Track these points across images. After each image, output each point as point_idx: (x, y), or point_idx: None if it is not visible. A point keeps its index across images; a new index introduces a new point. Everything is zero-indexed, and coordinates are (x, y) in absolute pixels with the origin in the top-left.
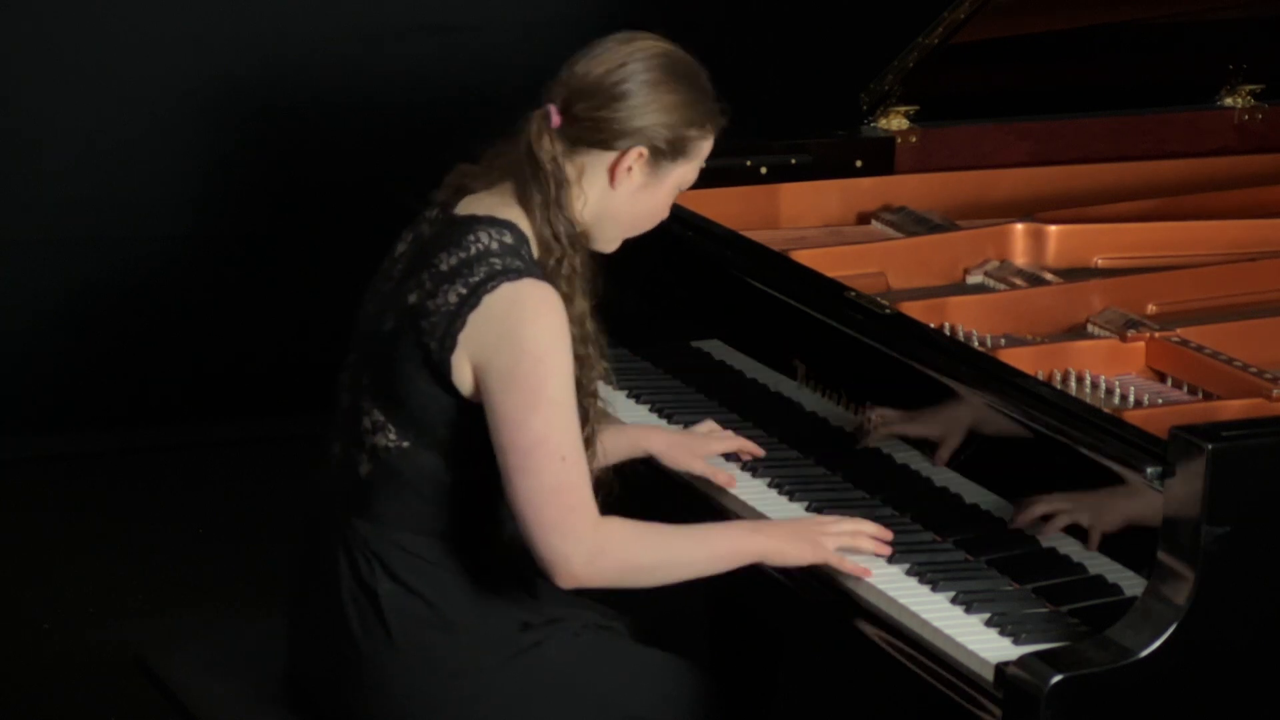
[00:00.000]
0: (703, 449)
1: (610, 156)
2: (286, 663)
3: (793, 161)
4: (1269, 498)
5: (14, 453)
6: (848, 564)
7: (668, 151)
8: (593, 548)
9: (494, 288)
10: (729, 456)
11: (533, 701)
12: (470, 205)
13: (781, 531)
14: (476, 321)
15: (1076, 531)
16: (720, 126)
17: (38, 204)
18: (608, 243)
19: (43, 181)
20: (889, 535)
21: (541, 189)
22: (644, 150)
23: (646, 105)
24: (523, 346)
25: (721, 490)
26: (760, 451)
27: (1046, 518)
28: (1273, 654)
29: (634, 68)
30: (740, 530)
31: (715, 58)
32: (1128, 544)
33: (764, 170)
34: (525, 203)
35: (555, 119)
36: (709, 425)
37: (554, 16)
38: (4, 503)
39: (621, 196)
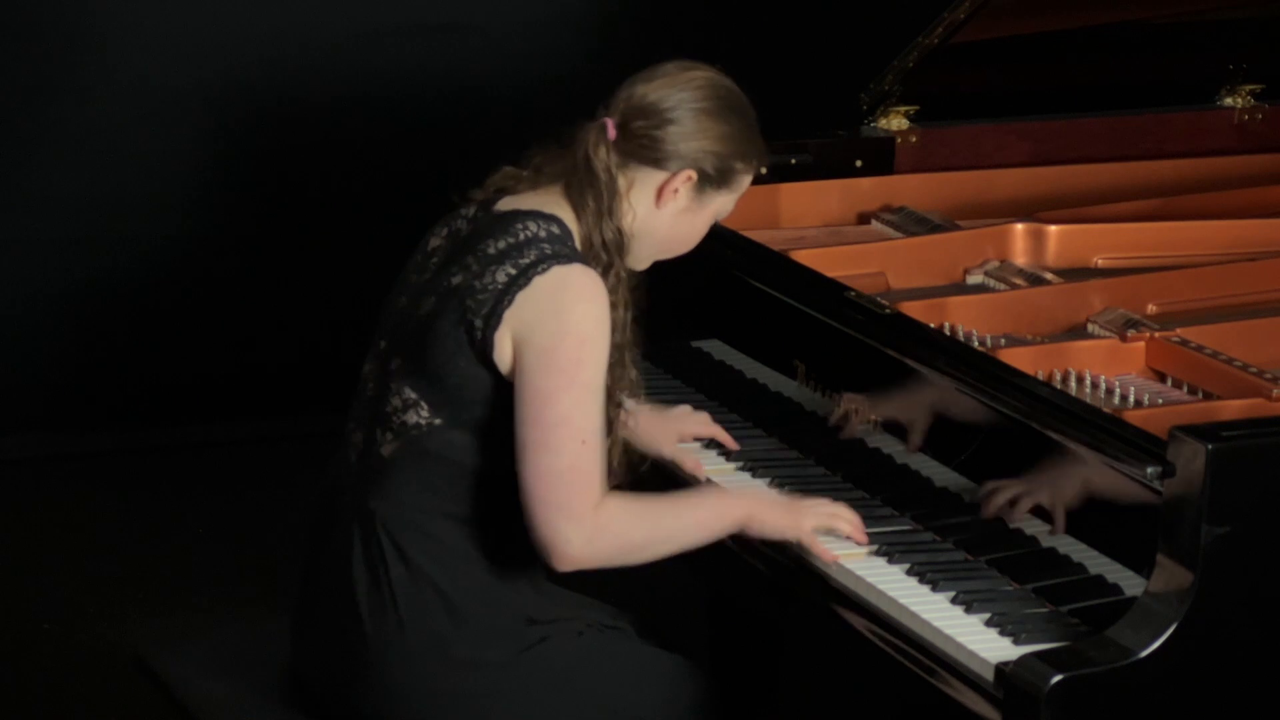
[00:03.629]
0: (675, 431)
1: (661, 176)
2: (289, 655)
3: (793, 161)
4: (1269, 498)
5: (14, 453)
6: (819, 546)
7: (715, 178)
8: (592, 529)
9: (545, 270)
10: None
11: (535, 698)
12: (513, 203)
13: (763, 500)
14: (524, 301)
15: (1077, 531)
16: (763, 164)
17: (38, 204)
18: (639, 260)
19: (43, 181)
20: (862, 526)
21: (596, 197)
22: (693, 174)
23: (701, 131)
24: (566, 326)
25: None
26: (734, 444)
27: (1044, 514)
28: (1273, 654)
29: (691, 95)
30: (723, 498)
31: (715, 58)
32: (1128, 544)
33: (764, 170)
34: (577, 207)
35: (612, 132)
36: (685, 409)
37: (554, 16)
38: (4, 503)
39: (664, 217)
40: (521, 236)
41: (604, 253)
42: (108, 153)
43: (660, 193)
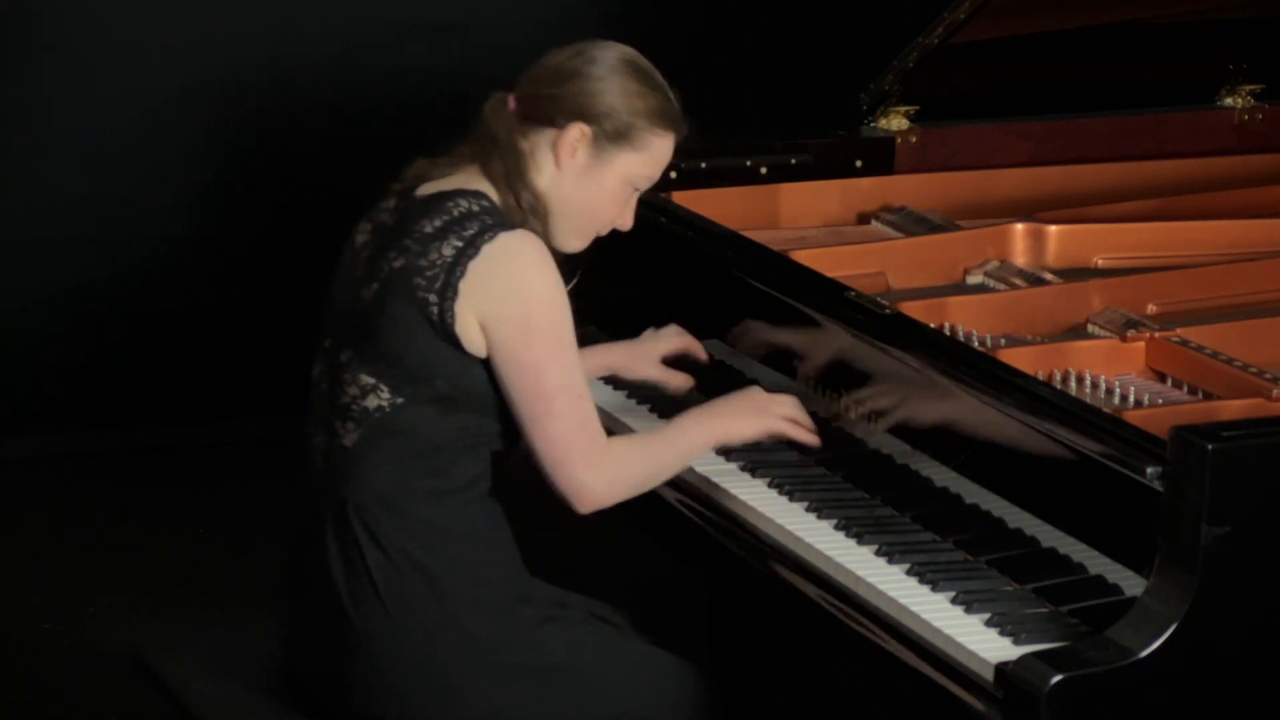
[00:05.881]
0: (654, 351)
1: (554, 133)
2: (282, 658)
3: (793, 161)
4: (1269, 498)
5: (14, 453)
6: (799, 431)
7: (610, 134)
8: (610, 472)
9: (492, 238)
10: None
11: (531, 686)
12: (435, 187)
13: (734, 410)
14: (478, 270)
15: (1077, 531)
16: (678, 132)
17: (38, 204)
18: (565, 236)
19: (43, 181)
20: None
21: (502, 161)
22: (585, 129)
23: (595, 87)
24: (535, 295)
25: (715, 487)
26: (704, 355)
27: (1046, 514)
28: (1273, 654)
29: (593, 55)
30: (701, 420)
31: (715, 57)
32: (1128, 544)
33: (764, 170)
34: (493, 178)
35: (511, 103)
36: (649, 331)
37: (554, 16)
38: (4, 503)
39: (567, 178)
40: (455, 213)
41: (518, 210)
42: (108, 153)
43: (557, 151)
